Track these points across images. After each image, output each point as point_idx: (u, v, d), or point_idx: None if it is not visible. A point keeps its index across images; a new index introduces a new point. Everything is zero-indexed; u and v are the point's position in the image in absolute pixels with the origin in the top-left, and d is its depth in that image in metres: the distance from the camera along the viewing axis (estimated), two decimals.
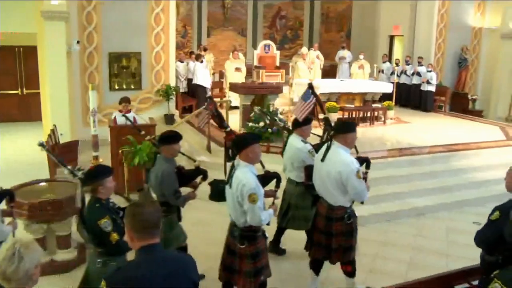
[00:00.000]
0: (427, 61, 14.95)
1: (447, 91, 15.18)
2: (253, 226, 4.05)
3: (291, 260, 5.75)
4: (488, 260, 3.69)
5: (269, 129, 8.85)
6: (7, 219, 4.09)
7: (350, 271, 4.87)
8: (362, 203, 4.79)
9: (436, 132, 11.04)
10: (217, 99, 13.23)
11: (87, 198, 3.77)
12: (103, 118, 10.29)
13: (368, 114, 11.69)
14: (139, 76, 11.51)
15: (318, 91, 11.24)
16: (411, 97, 14.95)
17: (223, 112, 9.25)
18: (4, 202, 4.09)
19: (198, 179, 4.84)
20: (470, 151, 9.45)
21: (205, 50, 15.32)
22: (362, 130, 9.05)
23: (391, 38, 17.62)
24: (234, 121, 9.75)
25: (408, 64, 15.30)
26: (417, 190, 7.90)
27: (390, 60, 16.76)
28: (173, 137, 4.67)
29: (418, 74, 14.78)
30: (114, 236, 3.56)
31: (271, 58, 15.58)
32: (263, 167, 4.60)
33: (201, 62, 12.86)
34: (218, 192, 4.50)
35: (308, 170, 5.13)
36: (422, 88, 14.60)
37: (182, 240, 4.85)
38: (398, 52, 17.46)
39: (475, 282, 4.11)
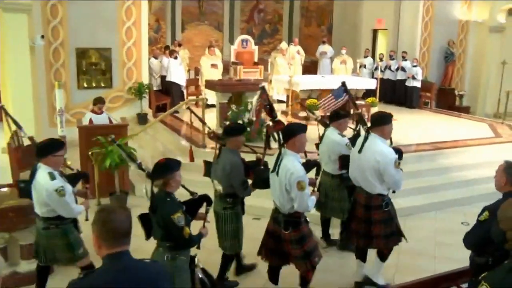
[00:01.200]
0: (412, 55, 15.11)
1: (433, 87, 15.36)
2: (296, 212, 4.44)
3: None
4: (478, 262, 3.73)
5: (248, 128, 8.82)
6: (80, 199, 4.49)
7: (384, 254, 5.24)
8: (394, 192, 5.14)
9: (422, 130, 11.16)
10: (192, 97, 13.23)
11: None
12: (71, 118, 10.14)
13: (351, 112, 11.73)
14: (109, 74, 11.38)
15: (298, 88, 11.31)
16: (395, 94, 15.10)
17: (199, 110, 9.21)
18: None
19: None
20: (458, 149, 9.58)
21: (179, 45, 15.24)
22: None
23: (375, 32, 17.77)
24: (211, 120, 9.68)
25: (393, 59, 15.44)
26: (403, 190, 7.85)
27: (373, 55, 16.90)
28: (238, 129, 5.12)
29: (403, 69, 14.93)
30: (187, 230, 3.75)
31: (249, 53, 15.56)
32: (306, 156, 5.02)
33: (175, 58, 12.78)
34: (261, 180, 4.85)
35: (342, 160, 5.55)
36: (407, 84, 14.75)
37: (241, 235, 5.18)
38: (382, 47, 17.60)
39: (464, 285, 4.15)
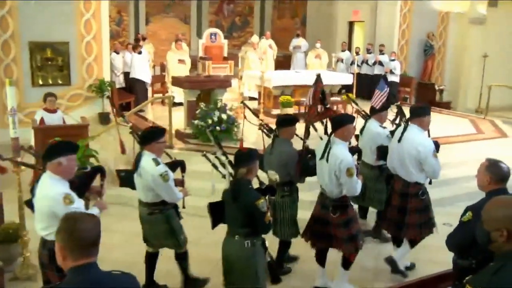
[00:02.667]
0: (390, 49, 15.29)
1: (412, 82, 15.57)
2: (344, 197, 5.05)
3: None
4: (461, 265, 3.78)
5: (218, 127, 8.80)
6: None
7: (416, 241, 5.78)
8: (430, 183, 5.69)
9: (401, 126, 11.26)
10: (158, 95, 13.11)
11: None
12: (24, 118, 9.90)
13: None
14: (67, 70, 11.16)
15: (270, 84, 11.31)
16: (373, 89, 15.24)
17: (165, 109, 9.14)
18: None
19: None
20: None
21: (143, 39, 15.08)
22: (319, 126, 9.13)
23: (351, 24, 17.93)
24: (178, 119, 9.62)
25: (370, 53, 15.60)
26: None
27: (349, 49, 17.04)
28: (291, 120, 5.63)
29: (381, 63, 15.09)
30: (268, 216, 4.16)
31: (218, 48, 15.52)
32: (350, 143, 5.30)
33: (140, 53, 12.64)
34: (308, 168, 5.35)
35: (380, 151, 6.08)
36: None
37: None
38: (358, 40, 17.77)
39: None
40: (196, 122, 8.99)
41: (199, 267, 5.64)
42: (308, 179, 5.66)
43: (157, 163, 4.75)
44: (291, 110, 11.18)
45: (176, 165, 5.22)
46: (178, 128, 9.54)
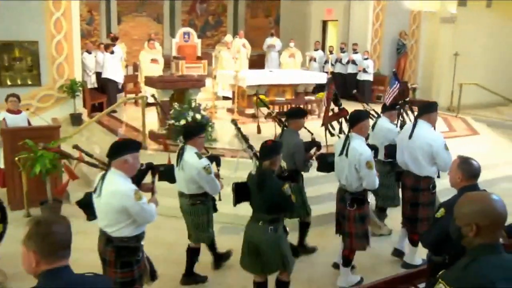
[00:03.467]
0: (363, 48, 15.43)
1: (386, 80, 15.73)
2: (362, 192, 5.32)
3: None
4: (435, 261, 3.84)
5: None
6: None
7: (415, 240, 5.86)
8: (438, 176, 5.85)
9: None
10: (130, 95, 13.00)
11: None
12: None
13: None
14: (37, 70, 10.99)
15: (244, 83, 11.31)
16: (347, 88, 15.35)
17: (138, 109, 9.06)
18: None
19: (313, 150, 6.10)
20: None
21: (115, 39, 14.92)
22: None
23: (324, 23, 18.03)
24: (152, 120, 9.55)
25: (343, 52, 15.72)
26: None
27: (323, 48, 17.14)
28: (300, 112, 6.15)
29: (354, 62, 15.22)
30: (293, 196, 4.58)
31: (191, 47, 15.47)
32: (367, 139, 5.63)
33: (112, 53, 12.52)
34: (327, 164, 5.72)
35: (388, 149, 6.35)
36: (358, 77, 15.06)
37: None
38: (332, 39, 17.88)
39: (422, 285, 4.26)
40: (169, 122, 8.94)
41: (176, 268, 5.63)
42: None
43: (200, 157, 5.14)
44: (265, 110, 11.19)
45: (211, 159, 5.40)
46: (152, 128, 9.47)
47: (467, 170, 3.75)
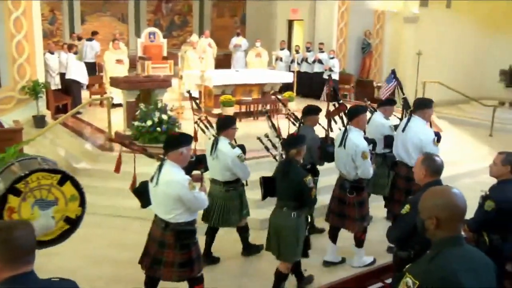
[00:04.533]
0: (329, 47, 15.58)
1: (351, 79, 15.95)
2: (360, 179, 5.77)
3: None
4: (401, 256, 3.93)
5: (158, 128, 8.71)
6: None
7: None
8: None
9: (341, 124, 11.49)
10: (96, 96, 12.85)
11: None
12: None
13: (268, 107, 11.91)
14: None
15: (210, 83, 11.31)
16: (313, 87, 15.49)
17: (104, 110, 8.97)
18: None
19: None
20: None
21: (79, 39, 14.73)
22: (262, 125, 9.18)
23: (290, 23, 18.13)
24: (118, 121, 9.46)
25: (309, 51, 15.84)
26: (323, 187, 8.14)
27: (289, 47, 17.24)
28: (316, 109, 6.52)
29: (320, 61, 15.36)
30: (314, 191, 4.93)
31: (157, 47, 15.37)
32: (364, 132, 6.11)
33: (75, 53, 12.34)
34: (328, 154, 6.15)
35: (387, 140, 6.77)
36: (324, 76, 15.15)
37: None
38: (298, 38, 18.00)
39: (389, 280, 4.35)
40: (136, 123, 8.87)
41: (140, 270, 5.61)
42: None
43: (233, 147, 5.61)
44: (232, 110, 11.23)
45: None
46: (118, 129, 9.39)
47: (430, 166, 3.85)
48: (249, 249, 6.29)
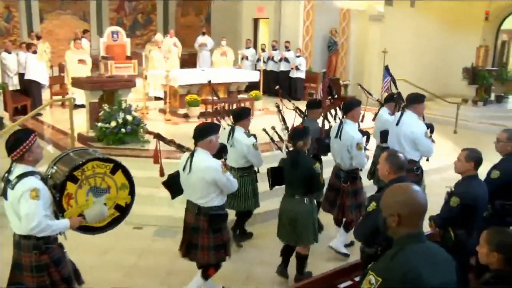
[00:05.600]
0: (295, 45, 15.69)
1: (318, 77, 16.07)
2: (355, 169, 6.19)
3: None
4: (368, 253, 4.01)
5: (123, 129, 8.64)
6: None
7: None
8: (427, 160, 6.58)
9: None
10: (57, 97, 12.65)
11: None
12: None
13: (234, 106, 11.92)
14: None
15: (176, 83, 11.26)
16: (279, 86, 15.56)
17: (66, 111, 8.83)
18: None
19: None
20: None
21: (38, 38, 14.46)
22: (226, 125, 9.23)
23: (256, 21, 18.18)
24: (81, 122, 9.33)
25: (275, 50, 15.92)
26: (282, 187, 8.22)
27: (255, 46, 17.29)
28: (319, 103, 7.11)
29: (286, 60, 15.46)
30: (322, 177, 5.44)
31: (120, 47, 15.21)
32: (359, 125, 6.49)
33: (34, 52, 12.12)
34: (324, 146, 6.56)
35: (382, 134, 7.01)
36: (291, 75, 15.31)
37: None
38: (264, 37, 18.07)
39: (358, 278, 4.41)
40: (99, 124, 8.77)
41: (111, 274, 5.57)
42: None
43: (249, 136, 6.12)
44: (197, 109, 11.20)
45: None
46: (81, 131, 9.26)
47: (394, 163, 3.94)
48: (243, 234, 6.69)
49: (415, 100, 6.44)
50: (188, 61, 17.07)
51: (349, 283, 4.57)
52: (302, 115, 7.33)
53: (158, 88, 13.32)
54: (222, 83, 12.12)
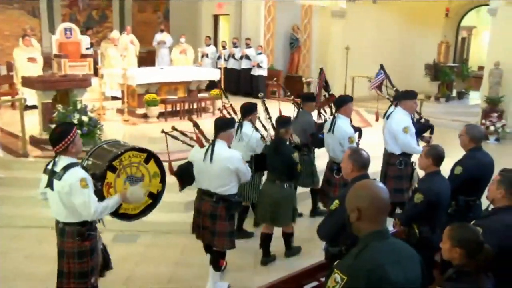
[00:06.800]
0: (256, 42, 15.75)
1: (280, 75, 16.17)
2: None
3: None
4: (332, 252, 4.07)
5: (78, 131, 8.48)
6: None
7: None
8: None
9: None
10: (6, 98, 12.36)
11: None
12: None
13: (195, 106, 11.91)
14: None
15: (134, 82, 11.16)
16: (241, 83, 15.63)
17: (16, 113, 8.66)
18: None
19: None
20: None
21: None
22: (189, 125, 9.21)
23: (216, 18, 18.17)
24: (33, 124, 9.14)
25: (236, 47, 15.94)
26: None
27: (216, 43, 17.27)
28: (311, 97, 7.81)
29: (247, 57, 15.50)
30: (300, 166, 5.97)
31: (74, 44, 14.93)
32: (351, 121, 6.95)
33: None
34: (318, 140, 7.03)
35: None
36: (252, 72, 15.36)
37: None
38: (224, 34, 18.08)
39: (324, 279, 4.47)
40: (53, 126, 8.61)
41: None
42: None
43: (256, 130, 6.55)
44: (157, 109, 11.13)
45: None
46: (33, 133, 9.09)
47: (357, 161, 4.01)
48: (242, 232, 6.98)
49: (404, 97, 6.84)
50: (146, 59, 16.93)
51: (315, 283, 4.64)
52: (297, 107, 7.80)
53: (115, 88, 13.17)
54: (181, 81, 12.08)
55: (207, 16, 18.01)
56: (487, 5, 14.16)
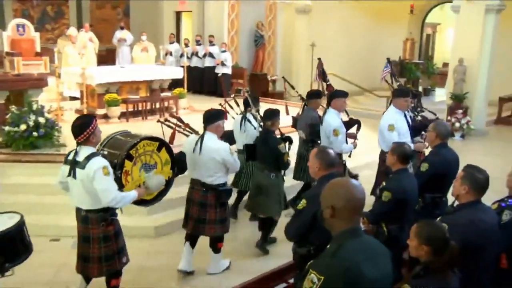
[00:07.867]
0: (220, 40, 15.73)
1: (244, 73, 16.19)
2: (339, 154, 6.58)
3: None
4: (300, 253, 4.09)
5: (35, 133, 8.36)
6: None
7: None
8: None
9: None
10: None
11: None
12: None
13: (157, 105, 11.84)
14: None
15: (93, 81, 11.03)
16: (204, 82, 15.59)
17: None
18: None
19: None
20: None
21: None
22: (152, 125, 9.11)
23: (178, 14, 18.10)
24: None
25: (199, 45, 15.90)
26: None
27: (178, 40, 17.19)
28: (317, 94, 7.99)
29: (211, 55, 15.47)
30: (286, 156, 6.29)
31: (28, 42, 14.71)
32: (348, 115, 7.66)
33: None
34: (317, 132, 7.20)
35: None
36: (216, 71, 15.33)
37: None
38: (187, 31, 18.01)
39: (292, 280, 4.51)
40: (7, 128, 8.44)
41: None
42: None
43: (257, 122, 7.05)
44: (118, 109, 11.03)
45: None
46: None
47: (324, 159, 4.04)
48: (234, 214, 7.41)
49: (395, 95, 7.11)
50: (106, 57, 16.76)
51: (283, 285, 4.67)
52: (303, 104, 8.15)
53: (74, 87, 12.99)
54: (143, 80, 11.98)
55: (168, 12, 17.92)
56: (451, 1, 14.46)
